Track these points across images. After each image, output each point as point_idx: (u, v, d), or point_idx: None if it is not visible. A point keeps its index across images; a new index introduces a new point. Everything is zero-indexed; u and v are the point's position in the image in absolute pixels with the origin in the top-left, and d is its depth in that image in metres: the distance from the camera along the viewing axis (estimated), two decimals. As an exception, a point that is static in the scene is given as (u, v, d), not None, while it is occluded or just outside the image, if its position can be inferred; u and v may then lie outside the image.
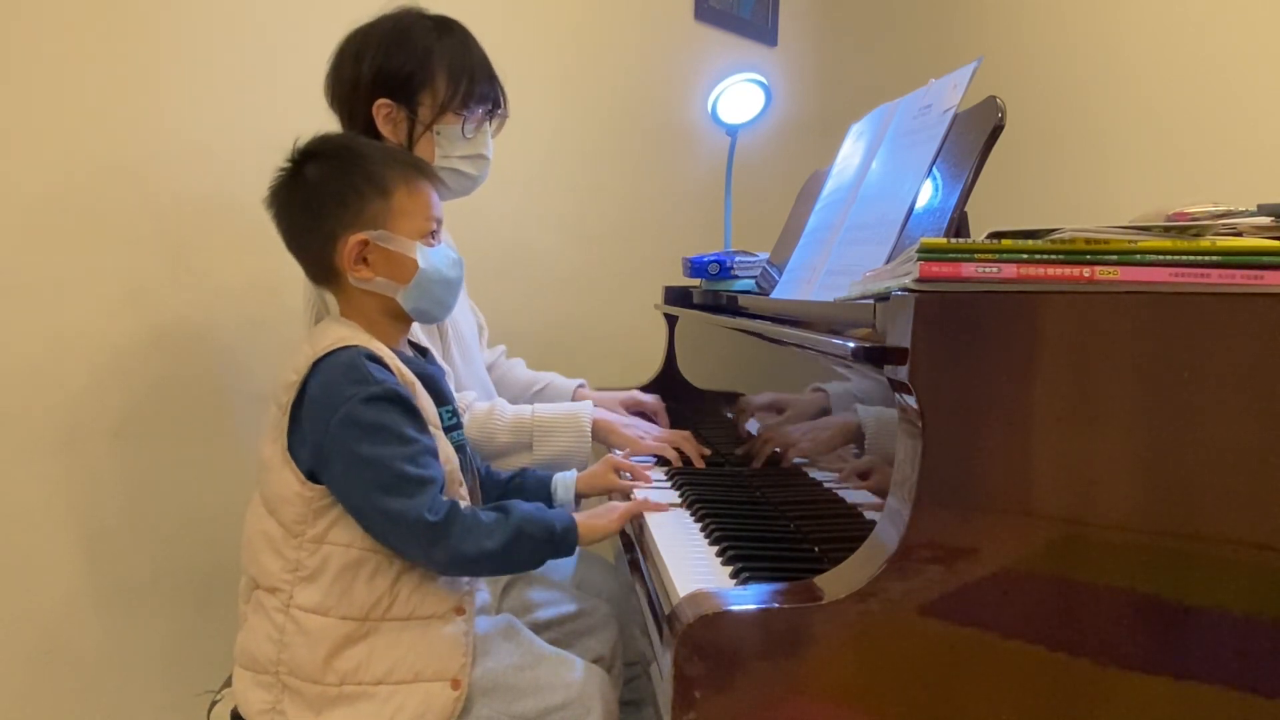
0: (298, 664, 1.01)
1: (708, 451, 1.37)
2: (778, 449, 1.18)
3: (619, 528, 1.11)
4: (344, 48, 1.34)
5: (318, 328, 1.10)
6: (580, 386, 1.64)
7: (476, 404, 1.35)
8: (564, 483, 1.25)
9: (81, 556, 1.49)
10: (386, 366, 1.03)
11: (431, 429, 1.05)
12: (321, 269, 1.09)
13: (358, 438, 0.98)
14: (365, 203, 1.05)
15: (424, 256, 1.07)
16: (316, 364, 1.02)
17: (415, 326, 1.26)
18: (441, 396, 1.12)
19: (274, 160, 1.10)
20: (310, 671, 1.01)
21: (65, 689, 1.48)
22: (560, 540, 1.05)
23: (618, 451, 1.34)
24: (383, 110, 1.31)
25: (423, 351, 1.21)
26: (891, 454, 0.78)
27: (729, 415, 1.43)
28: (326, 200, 1.06)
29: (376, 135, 1.32)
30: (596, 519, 1.11)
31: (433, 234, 1.10)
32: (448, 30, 1.35)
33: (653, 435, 1.40)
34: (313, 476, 1.02)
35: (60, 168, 1.44)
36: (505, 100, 1.39)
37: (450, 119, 1.33)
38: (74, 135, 1.45)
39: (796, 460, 1.12)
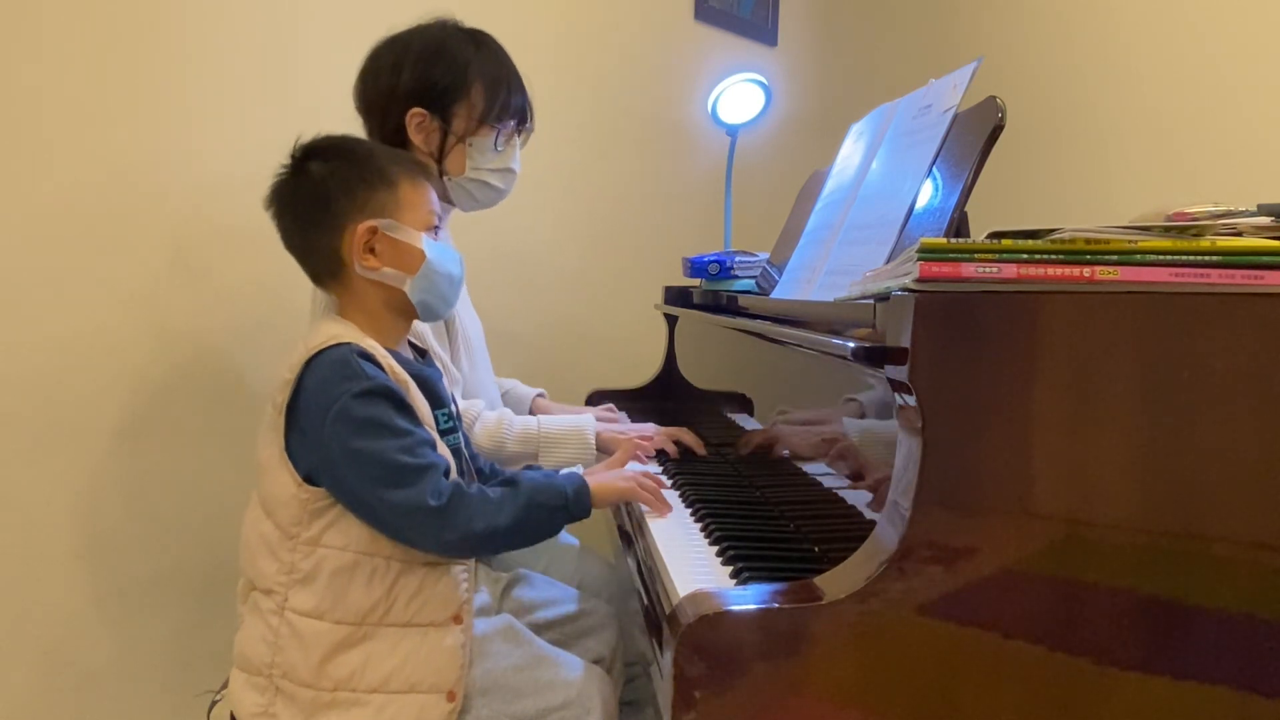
0: (291, 667, 1.01)
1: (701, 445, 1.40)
2: (775, 445, 1.18)
3: (633, 492, 1.12)
4: (381, 56, 1.35)
5: (313, 326, 1.10)
6: (539, 396, 1.68)
7: (486, 413, 1.37)
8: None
9: (83, 557, 1.49)
10: (378, 363, 1.02)
11: (426, 429, 1.05)
12: (326, 263, 1.08)
13: (352, 433, 0.98)
14: (373, 192, 1.06)
15: (430, 248, 1.08)
16: (309, 362, 1.01)
17: (427, 333, 1.27)
18: (438, 399, 1.12)
19: (275, 163, 1.10)
20: (304, 675, 1.00)
21: (66, 689, 1.48)
22: (575, 504, 1.06)
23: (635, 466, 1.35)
24: (415, 119, 1.32)
25: (421, 353, 1.21)
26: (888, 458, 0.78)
27: (729, 415, 1.43)
28: (333, 192, 1.06)
29: (404, 142, 1.33)
30: (611, 479, 1.11)
31: (435, 229, 1.10)
32: (483, 44, 1.37)
33: (650, 437, 1.42)
34: (311, 479, 1.01)
35: (63, 172, 1.44)
36: (532, 115, 1.41)
37: (485, 132, 1.35)
38: (77, 139, 1.45)
39: (790, 456, 1.11)
